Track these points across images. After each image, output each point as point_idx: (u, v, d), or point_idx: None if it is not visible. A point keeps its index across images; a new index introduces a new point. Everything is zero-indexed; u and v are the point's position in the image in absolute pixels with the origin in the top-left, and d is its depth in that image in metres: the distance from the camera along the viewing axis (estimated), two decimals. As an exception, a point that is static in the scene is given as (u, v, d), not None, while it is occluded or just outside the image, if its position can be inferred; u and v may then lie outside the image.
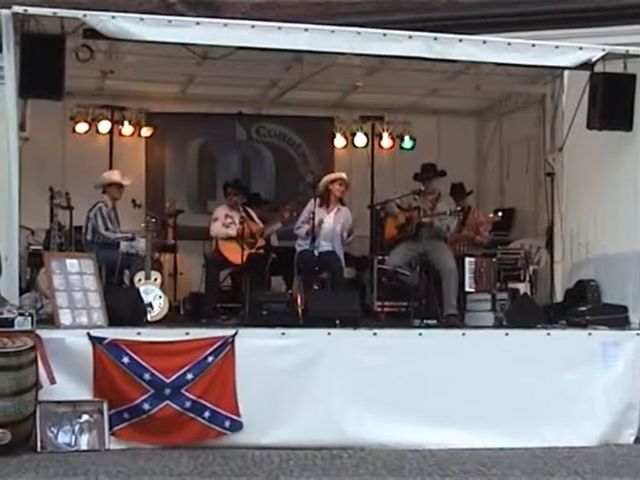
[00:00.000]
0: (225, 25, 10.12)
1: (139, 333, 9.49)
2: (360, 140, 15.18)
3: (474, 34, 11.27)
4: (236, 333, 9.55)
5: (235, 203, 12.86)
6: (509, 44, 10.56)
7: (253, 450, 9.16)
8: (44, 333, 9.17)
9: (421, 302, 12.29)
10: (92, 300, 9.89)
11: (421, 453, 9.31)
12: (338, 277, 12.13)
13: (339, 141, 15.18)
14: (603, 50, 10.61)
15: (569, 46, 10.81)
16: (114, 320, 9.78)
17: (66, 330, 9.42)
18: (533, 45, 10.61)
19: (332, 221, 12.28)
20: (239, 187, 13.17)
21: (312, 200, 12.28)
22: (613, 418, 10.14)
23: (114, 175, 12.36)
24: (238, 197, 12.92)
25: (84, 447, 9.11)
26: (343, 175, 12.58)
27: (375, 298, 12.57)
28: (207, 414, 9.37)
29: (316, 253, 12.05)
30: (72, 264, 10.09)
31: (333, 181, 12.47)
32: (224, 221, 12.68)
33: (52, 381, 9.05)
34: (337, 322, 10.18)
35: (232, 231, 12.52)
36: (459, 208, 12.19)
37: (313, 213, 12.06)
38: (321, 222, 12.13)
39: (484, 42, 10.55)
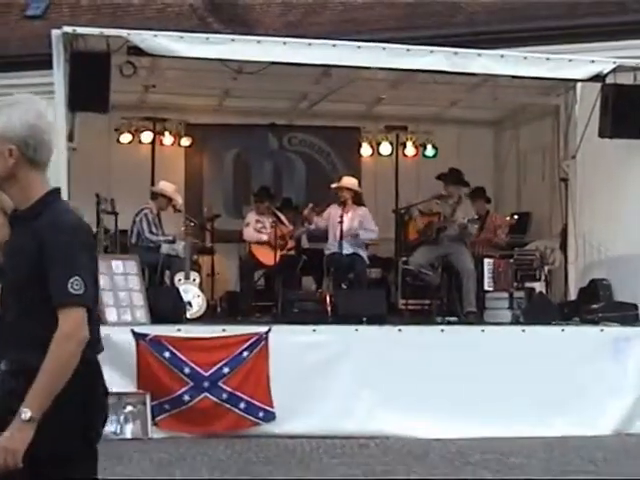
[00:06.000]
0: (258, 42, 10.60)
1: (179, 330, 9.92)
2: (385, 149, 15.33)
3: (492, 49, 11.62)
4: (269, 330, 9.95)
5: (264, 209, 13.14)
6: (525, 58, 10.95)
7: (285, 439, 9.56)
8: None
9: (442, 300, 12.66)
10: (135, 299, 10.39)
11: (444, 442, 9.63)
12: (360, 278, 12.44)
13: (365, 150, 15.37)
14: (614, 63, 10.97)
15: (582, 59, 11.20)
16: (156, 317, 10.25)
17: (112, 327, 9.76)
18: (548, 59, 11.01)
19: (348, 221, 12.48)
20: (266, 195, 13.43)
21: (334, 204, 12.69)
22: (624, 409, 10.44)
23: (170, 189, 12.71)
24: (265, 204, 13.18)
25: (128, 436, 9.52)
26: (344, 184, 12.86)
27: (400, 297, 12.88)
28: (242, 405, 9.77)
29: (344, 254, 12.29)
30: (117, 265, 10.57)
31: (337, 189, 12.83)
32: (255, 226, 13.00)
33: None
34: (364, 319, 10.60)
35: (264, 236, 12.86)
36: (476, 217, 12.44)
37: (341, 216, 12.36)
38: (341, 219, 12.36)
39: (502, 56, 10.98)
